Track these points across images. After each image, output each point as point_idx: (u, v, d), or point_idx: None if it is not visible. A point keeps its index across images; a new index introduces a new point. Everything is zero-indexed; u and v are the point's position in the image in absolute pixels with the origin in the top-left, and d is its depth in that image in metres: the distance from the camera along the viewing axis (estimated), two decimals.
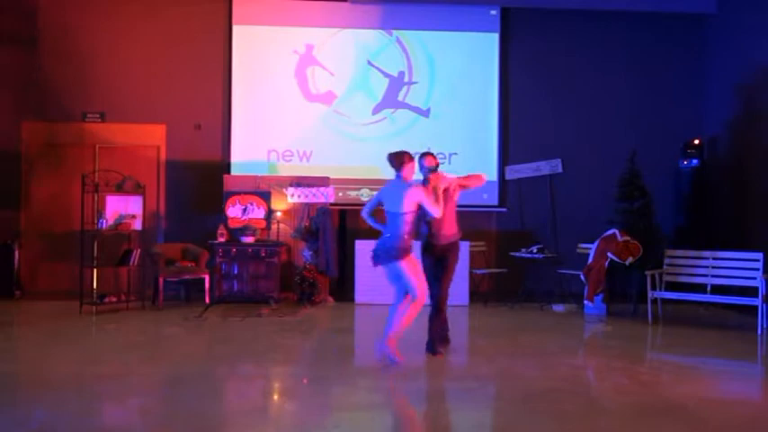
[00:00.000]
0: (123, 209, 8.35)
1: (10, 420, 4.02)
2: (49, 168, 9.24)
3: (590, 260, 8.43)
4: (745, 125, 9.16)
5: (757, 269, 7.52)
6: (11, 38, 9.47)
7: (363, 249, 8.98)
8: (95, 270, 8.19)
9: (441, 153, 10.04)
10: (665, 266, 8.15)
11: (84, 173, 8.32)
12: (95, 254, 8.22)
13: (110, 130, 9.32)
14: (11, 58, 9.45)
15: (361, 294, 8.89)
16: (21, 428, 3.90)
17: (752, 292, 7.51)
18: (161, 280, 8.48)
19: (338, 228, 9.59)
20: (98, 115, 9.35)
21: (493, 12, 10.13)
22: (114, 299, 8.26)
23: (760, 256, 7.59)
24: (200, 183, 9.64)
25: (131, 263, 8.31)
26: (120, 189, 8.43)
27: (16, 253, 9.01)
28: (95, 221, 8.23)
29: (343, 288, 9.33)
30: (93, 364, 5.52)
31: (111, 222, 8.26)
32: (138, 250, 8.37)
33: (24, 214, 9.18)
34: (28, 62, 9.48)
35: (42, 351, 6.05)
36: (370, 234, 9.43)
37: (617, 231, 8.31)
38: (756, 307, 7.26)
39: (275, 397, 4.91)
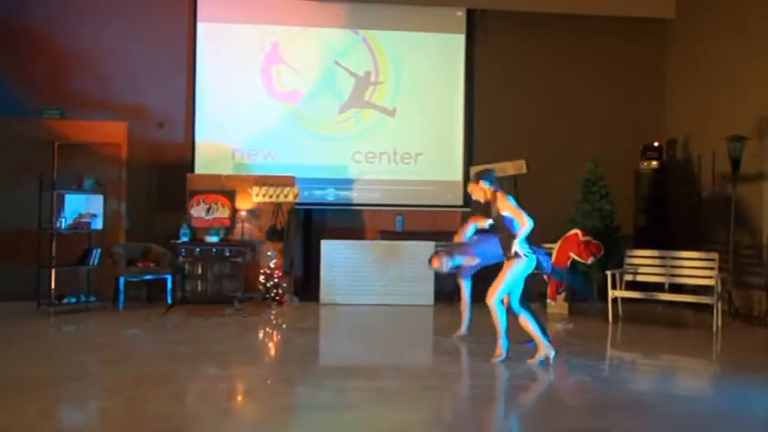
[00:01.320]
0: (83, 208, 8.18)
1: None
2: (5, 166, 8.98)
3: (552, 259, 8.54)
4: (702, 128, 9.40)
5: (713, 268, 7.74)
6: None
7: (328, 249, 8.97)
8: (53, 270, 8.00)
9: (407, 153, 10.09)
10: (624, 266, 8.32)
11: (43, 171, 8.13)
12: (53, 254, 8.02)
13: (69, 127, 9.11)
14: None
15: (325, 294, 8.87)
16: None
17: (708, 291, 7.73)
18: (122, 280, 8.33)
19: (303, 227, 9.56)
20: (57, 112, 9.13)
21: (459, 13, 10.20)
22: (73, 300, 8.08)
23: (715, 256, 7.82)
24: (163, 182, 9.49)
25: (91, 263, 8.14)
26: (79, 188, 8.26)
27: None
28: (53, 220, 8.04)
29: (308, 288, 9.29)
30: (50, 367, 5.39)
31: (70, 221, 8.08)
32: (99, 250, 8.21)
33: None
34: None
35: None
36: (335, 234, 9.45)
37: (579, 231, 8.46)
38: (712, 305, 7.46)
39: (239, 398, 4.87)
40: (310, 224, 9.74)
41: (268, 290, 8.73)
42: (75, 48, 9.43)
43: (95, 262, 8.18)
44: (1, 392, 4.55)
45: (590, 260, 8.18)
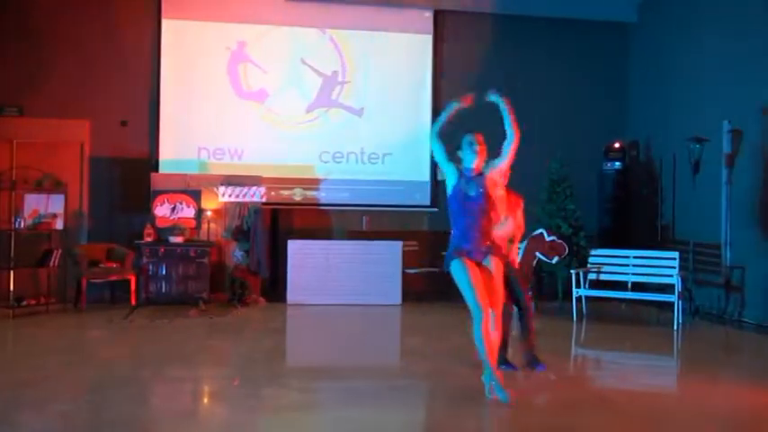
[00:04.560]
0: (43, 208, 8.00)
1: None
2: None
3: (519, 259, 8.63)
4: (662, 130, 9.61)
5: (674, 267, 7.92)
6: None
7: (295, 249, 8.93)
8: (12, 272, 7.80)
9: (374, 153, 10.09)
10: (589, 265, 8.46)
11: (1, 170, 7.92)
12: (12, 254, 7.82)
13: (29, 124, 8.89)
14: None
15: (292, 294, 8.82)
16: None
17: (669, 289, 7.90)
18: (84, 281, 8.16)
19: (270, 227, 9.49)
20: (16, 109, 8.90)
21: (426, 14, 10.24)
22: (33, 302, 7.89)
23: (676, 255, 8.00)
24: (126, 181, 9.32)
25: (51, 264, 7.96)
26: (39, 187, 8.07)
27: None
28: (12, 221, 7.84)
29: (275, 288, 9.23)
30: (8, 371, 5.25)
31: (29, 221, 7.89)
32: (59, 251, 8.03)
33: None
34: None
35: None
36: (302, 234, 9.40)
37: (544, 231, 8.55)
38: (673, 303, 7.63)
39: (204, 400, 4.81)
40: (277, 224, 9.67)
41: (234, 290, 8.65)
42: (35, 44, 9.20)
43: (56, 263, 8.00)
44: None
45: (555, 259, 8.29)
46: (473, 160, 4.65)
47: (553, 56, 10.41)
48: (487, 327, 4.42)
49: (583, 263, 8.51)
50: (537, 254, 8.41)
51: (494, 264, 4.52)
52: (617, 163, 9.86)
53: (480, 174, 4.66)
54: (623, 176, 9.89)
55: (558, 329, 7.54)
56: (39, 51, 9.19)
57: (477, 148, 4.63)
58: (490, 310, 4.41)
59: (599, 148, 9.97)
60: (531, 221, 8.91)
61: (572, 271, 8.17)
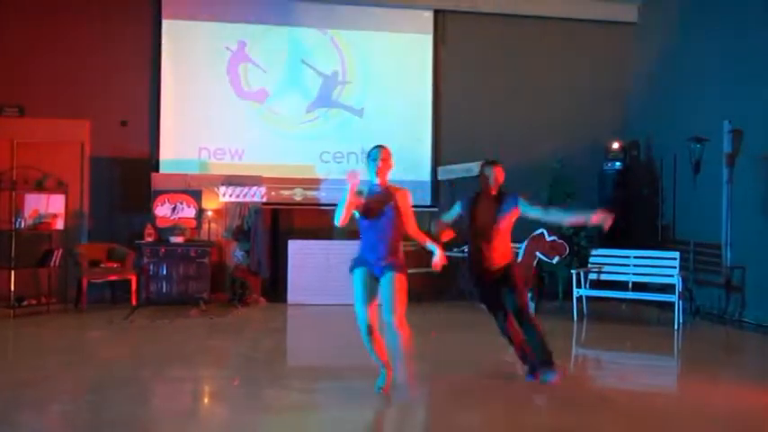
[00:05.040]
0: (44, 208, 8.00)
1: None
2: None
3: (519, 259, 8.64)
4: (662, 129, 9.61)
5: (674, 267, 7.91)
6: None
7: (295, 249, 8.93)
8: (12, 272, 7.80)
9: None
10: (589, 265, 8.46)
11: (1, 170, 7.92)
12: (13, 254, 7.82)
13: (29, 125, 8.89)
14: None
15: (293, 294, 8.82)
16: None
17: (670, 289, 7.90)
18: (84, 281, 8.17)
19: (270, 228, 9.49)
20: (16, 109, 8.90)
21: (426, 14, 10.24)
22: (34, 302, 7.90)
23: (676, 255, 8.00)
24: (126, 181, 9.32)
25: (52, 264, 7.96)
26: (39, 187, 8.07)
27: None
28: (13, 221, 7.84)
29: (276, 288, 9.23)
30: (9, 371, 5.25)
31: (29, 221, 7.89)
32: (60, 251, 8.03)
33: None
34: None
35: None
36: (303, 234, 9.40)
37: (545, 231, 8.56)
38: (674, 303, 7.62)
39: (205, 400, 4.81)
40: (278, 224, 9.67)
41: (235, 291, 8.65)
42: (35, 44, 9.20)
43: (57, 263, 8.00)
44: None
45: (555, 259, 8.29)
46: (375, 175, 4.65)
47: (553, 56, 10.41)
48: (375, 334, 4.64)
49: (583, 263, 8.51)
50: (537, 254, 8.42)
51: (395, 278, 4.54)
52: (617, 163, 9.85)
53: (388, 188, 4.64)
54: (624, 176, 9.88)
55: (558, 329, 7.53)
56: (39, 51, 9.19)
57: (380, 164, 4.62)
58: (393, 319, 4.50)
59: (599, 148, 9.96)
60: (531, 221, 8.94)
61: (572, 271, 8.17)
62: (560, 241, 8.39)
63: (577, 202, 9.03)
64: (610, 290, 8.18)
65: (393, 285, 4.51)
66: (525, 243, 8.65)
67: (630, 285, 8.24)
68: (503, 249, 5.21)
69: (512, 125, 10.24)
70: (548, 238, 8.42)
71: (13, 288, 7.75)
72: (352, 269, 4.72)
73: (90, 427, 4.06)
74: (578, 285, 8.08)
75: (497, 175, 5.26)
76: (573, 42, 10.43)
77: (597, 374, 5.86)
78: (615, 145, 9.89)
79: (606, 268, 8.39)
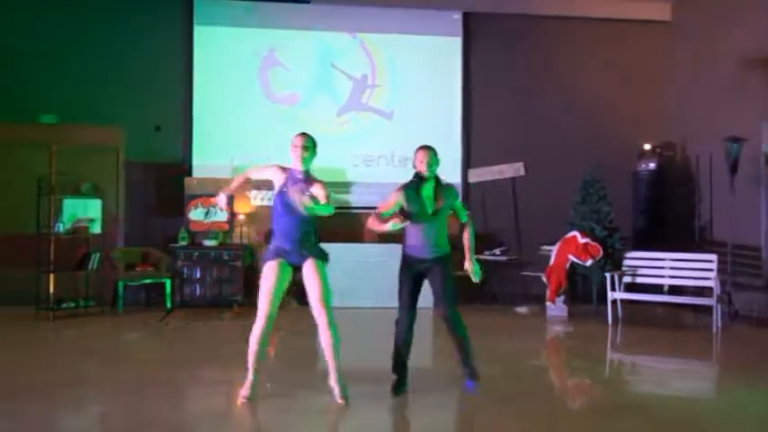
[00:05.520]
0: (81, 212, 8.16)
1: None
2: (3, 170, 8.95)
3: (551, 262, 8.56)
4: (698, 129, 9.43)
5: (712, 270, 7.74)
6: None
7: (327, 251, 8.95)
8: (52, 275, 7.97)
9: (405, 156, 10.07)
10: (624, 268, 8.33)
11: (41, 175, 8.10)
12: (52, 258, 8.00)
13: (67, 131, 9.08)
14: None
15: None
16: None
17: (707, 292, 7.74)
18: (121, 284, 8.31)
19: None
20: (54, 116, 9.11)
21: (455, 16, 10.21)
22: (72, 304, 8.06)
23: (714, 257, 7.82)
24: (160, 186, 9.47)
25: (89, 267, 8.12)
26: (77, 192, 8.24)
27: None
28: (51, 225, 8.02)
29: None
30: (50, 372, 5.37)
31: (68, 226, 8.06)
32: (97, 254, 8.19)
33: None
34: None
35: None
36: (333, 237, 9.41)
37: (578, 233, 8.46)
38: (711, 307, 7.46)
39: (238, 402, 4.85)
40: None
41: None
42: (72, 52, 9.42)
43: (94, 266, 8.16)
44: (1, 398, 4.53)
45: (589, 262, 8.19)
46: (293, 162, 4.63)
47: (585, 55, 10.30)
48: (260, 332, 4.57)
49: (617, 265, 8.38)
50: (570, 256, 8.33)
51: (311, 266, 4.52)
52: (651, 164, 9.70)
53: (309, 176, 4.62)
54: (658, 177, 9.72)
55: (592, 333, 7.44)
56: (75, 59, 9.41)
57: (297, 151, 4.64)
58: (322, 311, 4.58)
59: (633, 148, 9.82)
60: (563, 224, 8.85)
61: (606, 274, 8.05)
62: (594, 243, 8.29)
63: (610, 203, 8.94)
64: (645, 293, 8.05)
65: (312, 274, 4.49)
66: (557, 245, 8.56)
67: (666, 288, 8.09)
68: None
69: (543, 126, 10.15)
70: (581, 241, 8.32)
71: (52, 291, 7.92)
72: (264, 260, 4.62)
73: (128, 428, 4.12)
74: (612, 288, 7.96)
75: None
76: (605, 42, 10.30)
77: (633, 379, 5.76)
78: (649, 145, 9.74)
79: (641, 271, 8.26)
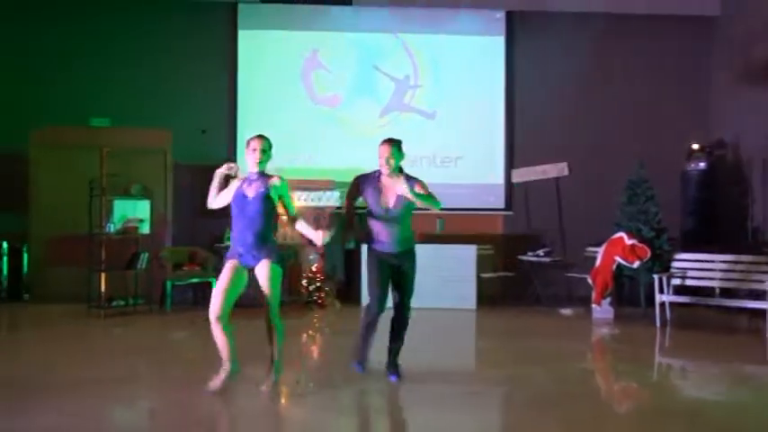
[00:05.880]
0: (131, 213, 8.37)
1: (18, 424, 4.03)
2: (57, 172, 9.26)
3: (597, 263, 8.41)
4: (750, 127, 9.13)
5: (766, 272, 7.48)
6: (20, 44, 9.56)
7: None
8: (103, 274, 8.21)
9: (447, 156, 10.05)
10: (673, 270, 8.12)
11: (92, 177, 8.34)
12: (103, 258, 8.23)
13: (117, 134, 9.34)
14: (22, 62, 9.55)
15: (367, 298, 8.86)
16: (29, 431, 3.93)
17: (761, 295, 7.48)
18: (169, 284, 8.50)
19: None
20: (106, 120, 9.38)
21: (498, 15, 10.14)
22: (122, 303, 8.28)
23: (767, 259, 7.56)
24: (206, 187, 9.53)
25: (139, 266, 8.32)
26: (127, 193, 8.45)
27: (25, 256, 9.08)
28: (103, 225, 8.25)
29: (350, 291, 9.33)
30: (100, 368, 5.52)
31: (118, 226, 8.28)
32: (146, 254, 8.39)
33: (33, 218, 9.20)
34: (38, 68, 9.59)
35: (50, 355, 6.07)
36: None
37: (624, 234, 8.29)
38: (765, 310, 7.22)
39: (282, 400, 4.91)
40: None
41: (310, 294, 8.79)
42: (120, 58, 9.69)
43: (143, 266, 8.36)
44: (53, 393, 4.68)
45: (636, 264, 8.01)
46: (249, 165, 4.74)
47: (632, 53, 10.10)
48: (218, 328, 4.72)
49: (666, 267, 8.17)
50: (616, 258, 8.17)
51: (262, 268, 4.58)
52: (701, 163, 9.44)
53: (266, 176, 4.72)
54: (708, 177, 9.46)
55: (640, 336, 7.28)
56: (124, 65, 9.69)
57: (255, 154, 4.75)
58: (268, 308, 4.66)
59: (682, 147, 9.59)
60: (608, 225, 8.69)
61: (654, 276, 7.87)
62: (641, 245, 8.11)
63: (658, 203, 8.74)
64: (695, 296, 7.83)
65: (267, 274, 4.57)
66: (603, 246, 8.41)
67: (717, 291, 7.85)
68: None
69: (587, 125, 9.99)
70: (627, 242, 8.16)
71: (103, 289, 8.15)
72: (224, 261, 4.72)
73: (176, 424, 4.22)
74: (661, 291, 7.77)
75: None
76: (652, 38, 10.08)
77: (681, 384, 5.62)
78: (700, 144, 9.49)
79: (691, 273, 8.04)
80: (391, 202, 4.88)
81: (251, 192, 4.68)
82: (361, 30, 10.08)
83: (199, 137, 9.76)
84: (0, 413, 4.20)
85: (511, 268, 9.49)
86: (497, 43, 10.14)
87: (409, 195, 4.71)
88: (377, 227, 4.96)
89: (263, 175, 4.75)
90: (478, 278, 8.95)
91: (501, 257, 9.78)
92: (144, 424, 4.36)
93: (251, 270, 4.67)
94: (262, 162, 4.74)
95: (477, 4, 10.07)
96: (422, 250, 8.94)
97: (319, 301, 8.75)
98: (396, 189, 4.84)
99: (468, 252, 8.93)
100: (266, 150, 4.78)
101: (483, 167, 10.05)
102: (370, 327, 5.12)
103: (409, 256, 5.10)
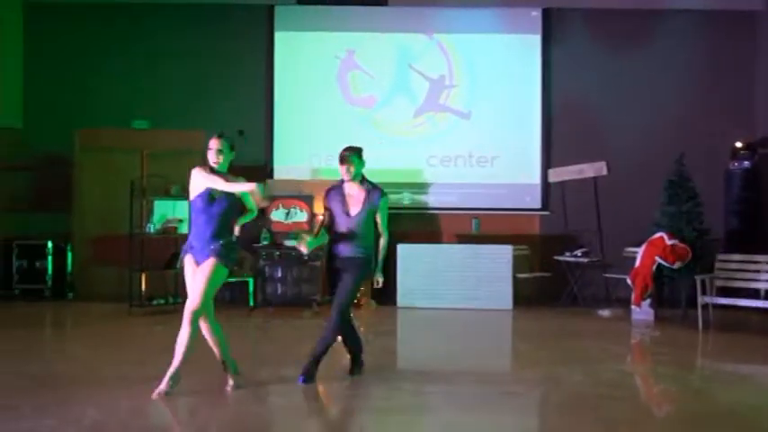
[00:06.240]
0: (170, 213, 8.52)
1: (63, 419, 4.14)
2: (99, 173, 9.48)
3: (637, 264, 8.26)
4: None
5: None
6: (64, 48, 9.83)
7: (405, 253, 9.00)
8: (143, 273, 8.37)
9: (483, 156, 9.99)
10: (716, 271, 7.92)
11: (133, 178, 8.52)
12: (143, 257, 8.40)
13: (157, 136, 9.53)
14: (65, 65, 9.82)
15: (403, 298, 8.89)
16: (73, 426, 4.02)
17: None
18: None
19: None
20: (145, 122, 9.58)
21: (534, 13, 10.03)
22: (162, 301, 8.43)
23: None
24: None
25: (178, 266, 8.44)
26: (167, 194, 8.61)
27: (68, 256, 9.34)
28: (143, 225, 8.42)
29: (386, 291, 9.31)
30: (141, 365, 5.64)
31: (158, 227, 8.43)
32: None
33: (76, 218, 9.45)
34: (81, 71, 9.85)
35: (93, 352, 6.22)
36: (411, 238, 9.45)
37: (665, 235, 8.12)
38: None
39: (318, 399, 4.94)
40: None
41: None
42: (159, 61, 9.88)
43: (182, 265, 8.48)
44: (95, 390, 4.79)
45: (677, 265, 7.84)
46: (211, 162, 4.78)
47: (673, 50, 9.88)
48: (194, 326, 4.72)
49: (708, 268, 7.97)
50: (657, 258, 8.01)
51: (206, 264, 4.68)
52: (745, 161, 9.19)
53: (229, 176, 4.77)
54: (753, 176, 9.21)
55: (681, 339, 7.13)
56: (163, 68, 9.88)
57: (212, 154, 4.78)
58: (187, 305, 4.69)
59: (722, 145, 9.35)
60: (647, 225, 8.52)
61: (696, 277, 7.68)
62: (682, 245, 7.94)
63: (701, 203, 8.54)
64: (739, 297, 7.63)
65: (208, 271, 4.66)
66: (643, 247, 8.25)
67: (763, 293, 7.63)
68: None
69: (625, 123, 9.82)
70: (668, 242, 7.99)
71: (143, 288, 8.32)
72: (181, 258, 4.86)
73: (215, 421, 4.28)
74: (703, 292, 7.58)
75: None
76: (695, 34, 9.85)
77: (723, 387, 5.47)
78: (744, 142, 9.24)
79: (735, 274, 7.83)
80: (353, 210, 5.05)
81: (217, 193, 4.77)
82: (397, 30, 10.08)
83: (236, 138, 9.79)
84: (45, 409, 4.32)
85: (547, 269, 9.38)
86: (533, 41, 10.03)
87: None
88: (339, 233, 5.09)
89: (228, 176, 4.84)
90: (515, 278, 8.88)
91: (537, 258, 9.68)
92: (185, 420, 4.43)
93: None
94: (221, 164, 4.82)
95: (512, 2, 9.98)
96: (457, 250, 9.07)
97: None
98: (357, 197, 5.04)
99: (505, 252, 8.87)
100: (224, 151, 4.86)
101: (519, 167, 9.96)
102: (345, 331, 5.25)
103: (360, 262, 5.15)
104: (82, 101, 9.81)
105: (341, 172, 5.08)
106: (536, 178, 9.92)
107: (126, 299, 8.24)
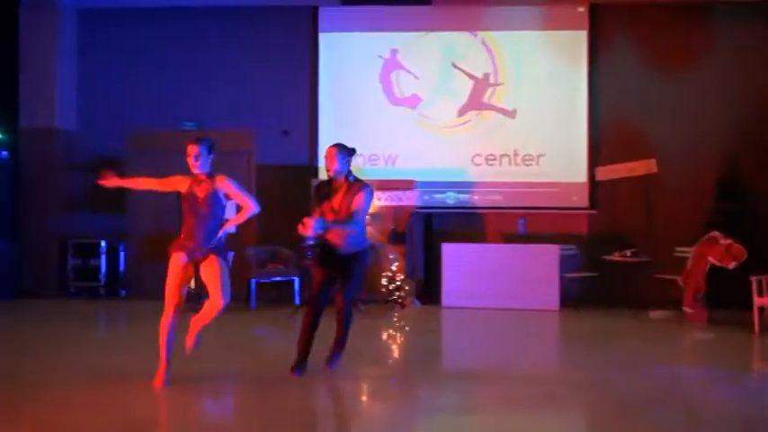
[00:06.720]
0: None
1: (118, 410, 4.27)
2: (151, 173, 9.70)
3: (689, 264, 8.05)
4: None
5: None
6: (116, 51, 10.13)
7: (450, 252, 8.98)
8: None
9: (528, 155, 9.87)
10: None
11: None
12: None
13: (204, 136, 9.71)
14: (117, 68, 10.11)
15: (448, 297, 8.87)
16: (128, 416, 4.14)
17: None
18: (253, 282, 8.76)
19: (424, 231, 9.61)
20: (195, 123, 9.78)
21: (581, 9, 9.85)
22: None
23: None
24: (289, 187, 9.88)
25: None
26: None
27: (122, 254, 9.62)
28: None
29: (430, 291, 9.32)
30: (190, 362, 5.76)
31: None
32: (232, 253, 8.68)
33: (129, 217, 9.72)
34: (132, 72, 10.12)
35: (145, 347, 6.38)
36: (456, 237, 9.42)
37: (719, 234, 7.89)
38: None
39: (363, 398, 4.97)
40: (431, 228, 9.77)
41: (390, 293, 8.85)
42: (206, 64, 10.07)
43: (229, 264, 8.63)
44: (145, 386, 4.92)
45: (732, 265, 7.60)
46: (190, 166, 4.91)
47: (722, 43, 9.52)
48: (167, 322, 4.95)
49: (766, 268, 7.70)
50: (710, 259, 7.79)
51: (211, 261, 4.90)
52: None
53: (211, 176, 4.99)
54: None
55: (736, 342, 6.92)
56: (210, 69, 10.06)
57: (190, 161, 4.97)
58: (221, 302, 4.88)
59: None
60: (700, 224, 8.29)
61: (753, 278, 7.43)
62: (738, 245, 7.70)
63: (755, 199, 8.27)
64: None
65: (217, 267, 4.86)
66: (695, 247, 8.04)
67: None
68: None
69: (676, 120, 9.55)
70: (722, 242, 7.76)
71: (193, 286, 8.48)
72: (171, 252, 4.94)
73: (263, 417, 4.34)
74: (759, 294, 7.34)
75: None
76: (745, 26, 9.50)
77: None
78: None
79: None
80: (338, 204, 5.21)
81: (201, 192, 4.95)
82: (440, 28, 10.04)
83: (281, 138, 10.02)
84: (99, 406, 4.46)
85: (595, 269, 9.21)
86: (580, 37, 9.85)
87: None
88: (330, 229, 5.23)
89: (210, 175, 5.03)
90: (561, 278, 8.75)
91: (585, 257, 9.51)
92: (235, 416, 4.51)
93: (198, 263, 4.95)
94: (202, 167, 5.02)
95: None
96: (503, 250, 9.00)
97: (399, 301, 8.79)
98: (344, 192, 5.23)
99: (551, 252, 8.76)
100: (202, 154, 5.03)
101: (566, 165, 9.80)
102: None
103: (357, 256, 5.28)
104: (134, 103, 10.07)
105: (326, 167, 5.38)
106: (583, 176, 9.75)
107: None
